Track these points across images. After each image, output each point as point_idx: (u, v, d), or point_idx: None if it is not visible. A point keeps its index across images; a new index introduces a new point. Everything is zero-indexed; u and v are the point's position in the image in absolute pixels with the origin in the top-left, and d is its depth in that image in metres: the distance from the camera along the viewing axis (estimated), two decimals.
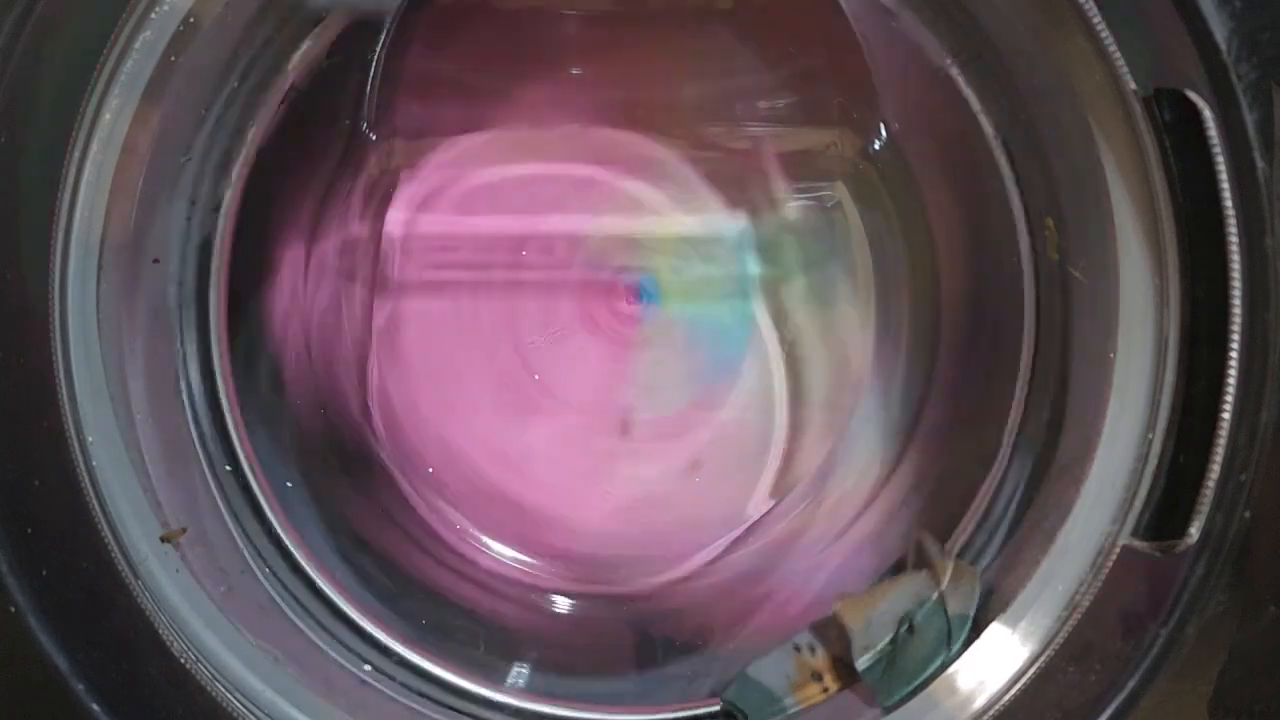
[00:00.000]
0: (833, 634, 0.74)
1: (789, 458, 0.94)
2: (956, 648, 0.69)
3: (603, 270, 0.93)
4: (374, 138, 0.89)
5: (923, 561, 0.74)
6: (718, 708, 0.77)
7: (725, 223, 0.94)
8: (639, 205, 0.93)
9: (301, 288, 0.88)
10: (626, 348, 0.94)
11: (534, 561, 0.93)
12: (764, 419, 0.94)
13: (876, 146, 0.89)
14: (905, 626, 0.71)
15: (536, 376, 0.94)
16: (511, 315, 0.94)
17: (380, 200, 0.91)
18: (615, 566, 0.93)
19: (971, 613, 0.70)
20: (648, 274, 0.93)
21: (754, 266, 0.94)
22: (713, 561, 0.93)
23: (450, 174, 0.92)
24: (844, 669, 0.72)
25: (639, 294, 0.93)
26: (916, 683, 0.69)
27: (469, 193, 0.93)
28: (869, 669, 0.71)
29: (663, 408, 0.94)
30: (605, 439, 0.94)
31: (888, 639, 0.71)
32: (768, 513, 0.93)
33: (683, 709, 0.78)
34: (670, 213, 0.93)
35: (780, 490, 0.93)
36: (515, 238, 0.93)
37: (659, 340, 0.94)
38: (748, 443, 0.94)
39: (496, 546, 0.93)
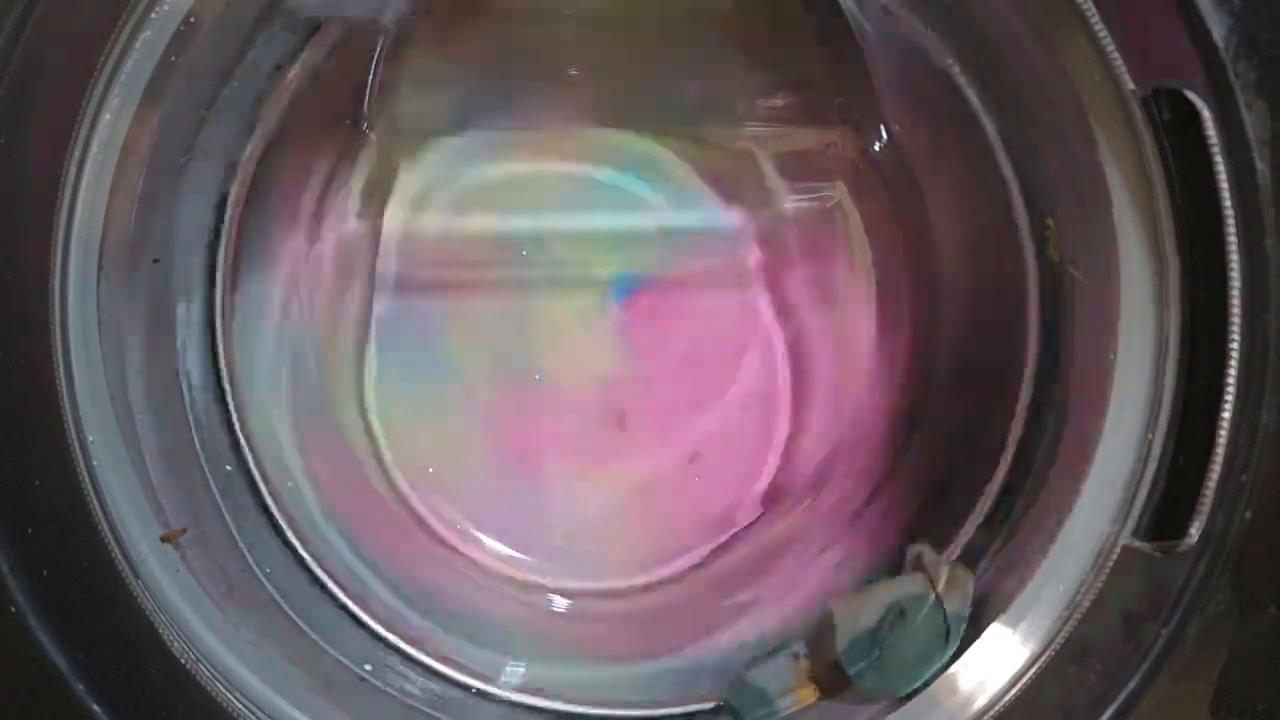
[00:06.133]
0: (828, 639, 0.74)
1: (789, 455, 0.94)
2: (954, 646, 0.69)
3: (602, 266, 0.93)
4: (373, 137, 0.89)
5: (919, 566, 0.74)
6: (714, 705, 0.77)
7: (724, 217, 0.94)
8: (638, 201, 0.93)
9: (301, 285, 0.88)
10: (626, 343, 0.94)
11: (533, 560, 0.93)
12: (766, 412, 0.94)
13: (877, 147, 0.89)
14: (895, 614, 0.71)
15: (537, 377, 0.94)
16: (510, 312, 0.93)
17: (379, 198, 0.91)
18: (615, 562, 0.93)
19: (967, 612, 0.70)
20: (647, 269, 0.93)
21: (753, 261, 0.94)
22: (712, 557, 0.93)
23: (449, 172, 0.92)
24: (839, 674, 0.73)
25: (638, 289, 0.93)
26: (919, 681, 0.69)
27: (468, 191, 0.93)
28: (859, 671, 0.71)
29: (662, 402, 0.94)
30: (604, 434, 0.94)
31: (873, 624, 0.71)
32: (768, 511, 0.93)
33: (680, 707, 0.78)
34: (669, 208, 0.93)
35: (780, 485, 0.93)
36: (514, 236, 0.93)
37: (658, 335, 0.94)
38: (749, 436, 0.94)
39: (496, 545, 0.93)
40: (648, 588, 0.92)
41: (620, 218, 0.93)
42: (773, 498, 0.94)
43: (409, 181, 0.92)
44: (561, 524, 0.93)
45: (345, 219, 0.91)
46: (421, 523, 0.92)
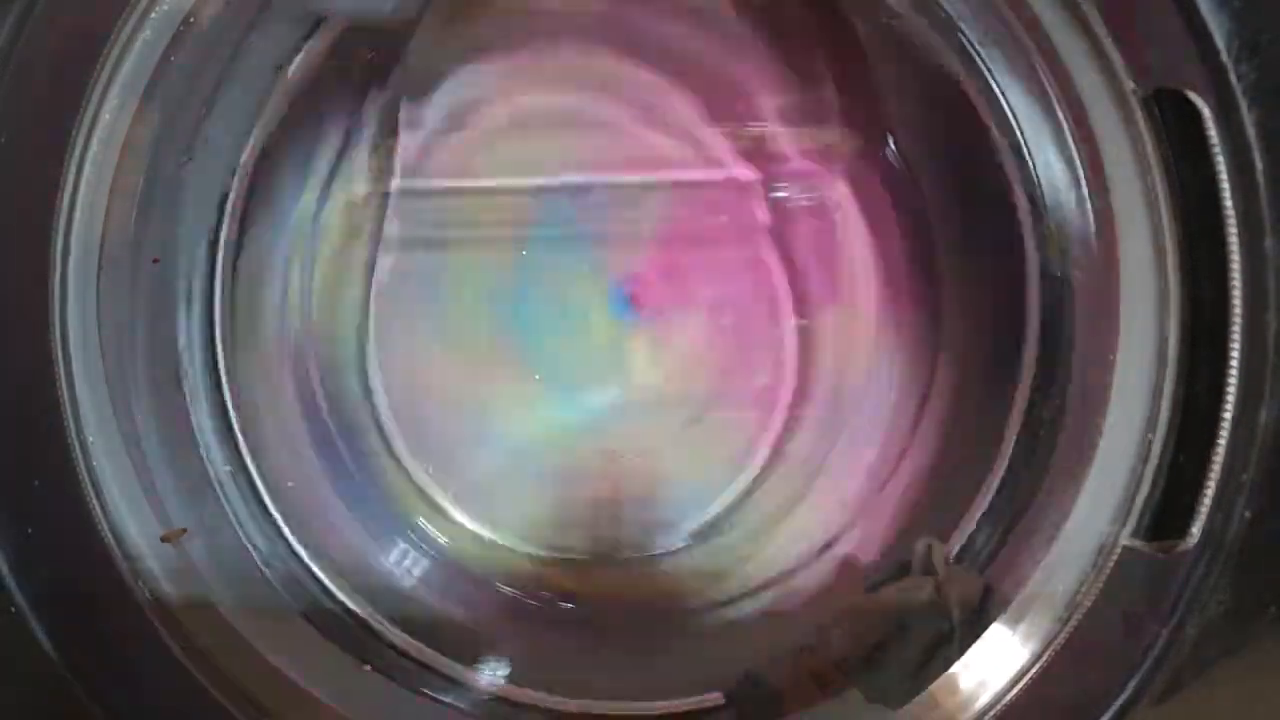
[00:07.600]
0: (834, 634, 0.74)
1: (778, 450, 0.94)
2: (955, 657, 0.69)
3: (606, 223, 0.93)
4: (374, 140, 0.89)
5: (926, 567, 0.74)
6: (720, 702, 0.78)
7: (737, 172, 0.93)
8: (647, 158, 0.93)
9: (302, 283, 0.88)
10: (632, 309, 0.94)
11: (533, 554, 0.93)
12: (771, 378, 0.94)
13: (877, 147, 0.89)
14: (899, 626, 0.71)
15: (537, 375, 0.94)
16: (514, 274, 0.93)
17: (379, 198, 0.91)
18: (615, 542, 0.93)
19: (970, 619, 0.70)
20: (655, 227, 0.93)
21: (762, 218, 0.93)
22: (709, 532, 0.93)
23: (451, 162, 0.92)
24: (844, 670, 0.73)
25: (643, 251, 0.93)
26: (918, 692, 0.69)
27: (470, 159, 0.93)
28: (863, 669, 0.71)
29: (668, 365, 0.94)
30: (609, 408, 0.94)
31: (876, 633, 0.72)
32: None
33: (684, 704, 0.78)
34: (682, 163, 0.93)
35: (780, 457, 0.93)
36: (519, 194, 0.93)
37: (665, 300, 0.94)
38: (748, 405, 0.94)
39: (495, 539, 0.93)
40: (651, 577, 0.92)
41: (629, 175, 0.93)
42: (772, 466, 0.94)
43: (410, 165, 0.91)
44: (564, 508, 0.93)
45: (348, 214, 0.91)
46: (423, 521, 0.92)
